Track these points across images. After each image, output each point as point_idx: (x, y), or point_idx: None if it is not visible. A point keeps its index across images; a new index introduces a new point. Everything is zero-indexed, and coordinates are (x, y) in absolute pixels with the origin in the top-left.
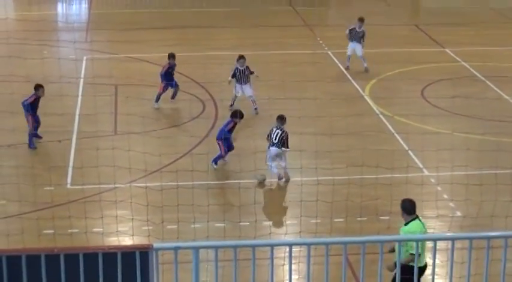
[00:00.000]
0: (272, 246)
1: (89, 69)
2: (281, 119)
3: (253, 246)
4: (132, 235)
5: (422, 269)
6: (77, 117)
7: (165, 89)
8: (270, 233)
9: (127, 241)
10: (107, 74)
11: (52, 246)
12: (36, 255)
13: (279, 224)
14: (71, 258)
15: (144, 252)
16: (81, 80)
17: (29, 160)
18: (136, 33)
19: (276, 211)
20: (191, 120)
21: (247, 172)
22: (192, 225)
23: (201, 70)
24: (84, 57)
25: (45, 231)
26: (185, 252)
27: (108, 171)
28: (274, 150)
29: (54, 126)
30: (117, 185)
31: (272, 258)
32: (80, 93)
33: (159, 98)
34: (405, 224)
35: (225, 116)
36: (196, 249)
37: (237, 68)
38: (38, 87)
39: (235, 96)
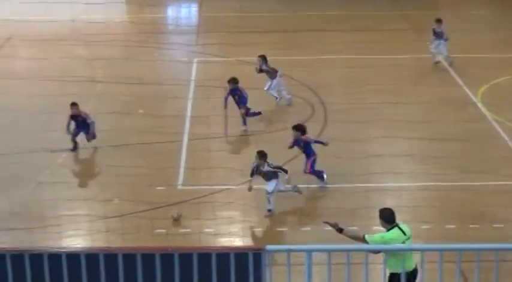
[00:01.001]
0: (385, 251)
1: (199, 72)
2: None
3: (366, 251)
4: (244, 237)
5: (413, 274)
6: (188, 119)
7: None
8: None
9: (238, 242)
10: (217, 77)
11: (165, 245)
12: (150, 254)
13: None
14: (185, 257)
15: (257, 254)
16: (192, 82)
17: (142, 160)
18: (245, 37)
19: None
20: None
21: (359, 176)
22: (303, 228)
23: (310, 74)
24: (195, 60)
25: (157, 231)
26: (296, 255)
27: (219, 172)
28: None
29: (166, 127)
30: (228, 187)
31: (385, 263)
32: (190, 96)
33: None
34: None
35: (334, 120)
36: (309, 252)
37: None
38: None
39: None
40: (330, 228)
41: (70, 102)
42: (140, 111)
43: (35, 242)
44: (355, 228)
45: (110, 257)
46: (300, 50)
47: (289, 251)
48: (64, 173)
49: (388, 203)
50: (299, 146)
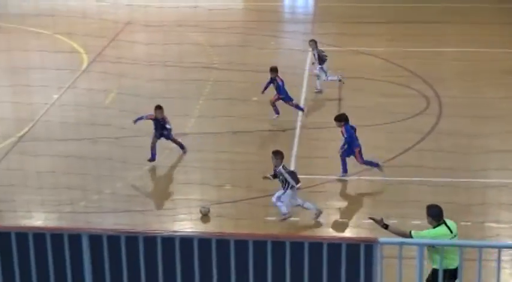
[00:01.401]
0: (499, 248)
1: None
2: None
3: (480, 247)
4: (355, 227)
5: (453, 272)
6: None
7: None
8: (497, 235)
9: (349, 233)
10: (331, 66)
11: (277, 233)
12: (262, 241)
13: (507, 226)
14: (296, 246)
15: (369, 246)
16: (306, 72)
17: (254, 147)
18: (360, 27)
19: (504, 213)
20: (414, 116)
21: (475, 171)
22: (414, 222)
23: (425, 66)
24: (310, 49)
25: (268, 218)
26: (409, 249)
27: (331, 162)
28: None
29: (279, 115)
30: (338, 177)
31: (499, 261)
32: (304, 84)
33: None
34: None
35: (449, 114)
36: (421, 246)
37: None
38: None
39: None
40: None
41: (156, 105)
42: (254, 98)
43: (149, 225)
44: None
45: (222, 242)
46: (415, 42)
47: (401, 244)
48: (180, 157)
49: (504, 200)
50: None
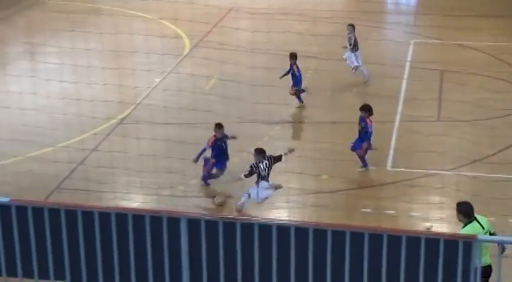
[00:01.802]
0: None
1: (415, 53)
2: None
3: None
4: (452, 223)
5: (486, 270)
6: (401, 100)
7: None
8: None
9: (446, 229)
10: (433, 60)
11: (375, 225)
12: (359, 233)
13: None
14: (393, 239)
15: (468, 243)
16: (407, 64)
17: (350, 138)
18: (465, 20)
19: None
20: None
21: None
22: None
23: None
24: (412, 41)
25: (364, 210)
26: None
27: (429, 156)
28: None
29: (378, 107)
30: (439, 171)
31: None
32: (405, 77)
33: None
34: (462, 227)
35: None
36: None
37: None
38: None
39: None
40: None
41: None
42: (354, 89)
43: (246, 212)
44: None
45: (319, 232)
46: None
47: (500, 242)
48: (276, 145)
49: None
50: (360, 125)
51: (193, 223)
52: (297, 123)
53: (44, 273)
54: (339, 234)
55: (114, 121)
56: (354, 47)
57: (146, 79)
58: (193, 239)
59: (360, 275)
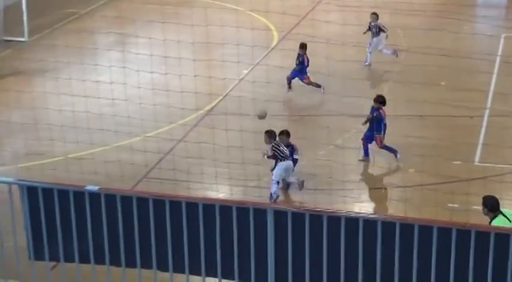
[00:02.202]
0: None
1: (506, 47)
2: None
3: None
4: None
5: None
6: (490, 94)
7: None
8: None
9: None
10: None
11: (463, 221)
12: (447, 228)
13: None
14: (481, 235)
15: None
16: (498, 58)
17: (438, 133)
18: None
19: None
20: None
21: None
22: None
23: None
24: (503, 35)
25: (449, 205)
26: None
27: None
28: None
29: (466, 101)
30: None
31: None
32: (495, 71)
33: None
34: (490, 221)
35: None
36: None
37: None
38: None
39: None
40: None
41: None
42: (442, 83)
43: (333, 204)
44: None
45: (406, 226)
46: None
47: None
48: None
49: None
50: (371, 114)
51: (279, 215)
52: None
53: (131, 262)
54: (425, 229)
55: (202, 112)
56: (377, 35)
57: (235, 71)
58: (279, 231)
59: (446, 271)
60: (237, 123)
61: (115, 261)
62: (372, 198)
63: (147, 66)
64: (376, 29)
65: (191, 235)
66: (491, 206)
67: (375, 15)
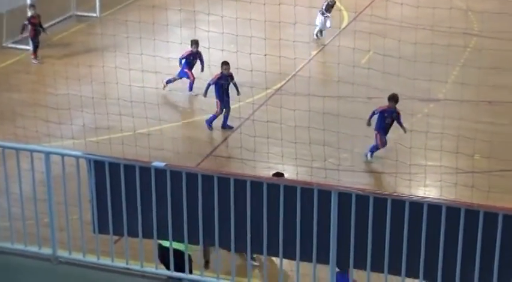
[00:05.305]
0: None
1: None
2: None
3: None
4: None
5: None
6: None
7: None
8: None
9: None
10: None
11: None
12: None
13: None
14: None
15: None
16: None
17: (507, 119)
18: None
19: None
20: None
21: None
22: None
23: None
24: None
25: None
26: None
27: None
28: None
29: None
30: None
31: None
32: None
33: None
34: None
35: None
36: None
37: None
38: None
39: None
40: None
41: None
42: None
43: (397, 188)
44: None
45: (471, 212)
46: None
47: None
48: (427, 123)
49: None
50: (391, 117)
51: (344, 197)
52: (453, 101)
53: (193, 239)
54: (491, 216)
55: (270, 91)
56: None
57: (304, 51)
58: (343, 213)
59: (510, 259)
60: (305, 103)
61: (178, 238)
62: (437, 182)
63: (217, 44)
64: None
65: (254, 214)
66: None
67: None
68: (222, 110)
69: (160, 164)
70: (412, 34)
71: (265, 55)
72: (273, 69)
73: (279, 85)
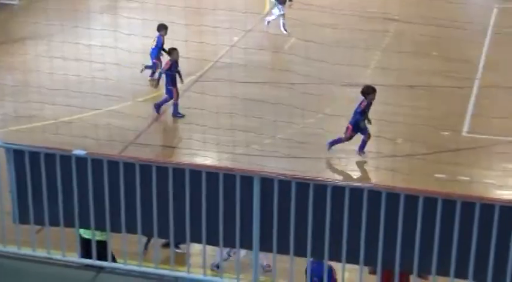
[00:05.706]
0: None
1: (498, 18)
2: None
3: None
4: None
5: None
6: (481, 65)
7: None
8: None
9: None
10: None
11: (449, 191)
12: (432, 198)
13: None
14: (466, 206)
15: None
16: (490, 29)
17: (427, 103)
18: None
19: None
20: None
21: None
22: None
23: None
24: (495, 5)
25: (437, 175)
26: None
27: (506, 123)
28: None
29: (457, 72)
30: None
31: None
32: (487, 42)
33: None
34: None
35: None
36: None
37: None
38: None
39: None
40: None
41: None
42: (434, 53)
43: (320, 172)
44: None
45: (392, 195)
46: None
47: None
48: (350, 107)
49: None
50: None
51: (266, 182)
52: (376, 86)
53: (116, 227)
54: (412, 199)
55: (192, 78)
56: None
57: (226, 37)
58: (266, 199)
59: (431, 240)
60: (228, 89)
61: (100, 226)
62: (360, 167)
63: (138, 30)
64: None
65: (176, 201)
66: None
67: None
68: (178, 95)
69: (81, 152)
70: (333, 20)
71: (186, 41)
72: (196, 55)
73: (201, 72)
